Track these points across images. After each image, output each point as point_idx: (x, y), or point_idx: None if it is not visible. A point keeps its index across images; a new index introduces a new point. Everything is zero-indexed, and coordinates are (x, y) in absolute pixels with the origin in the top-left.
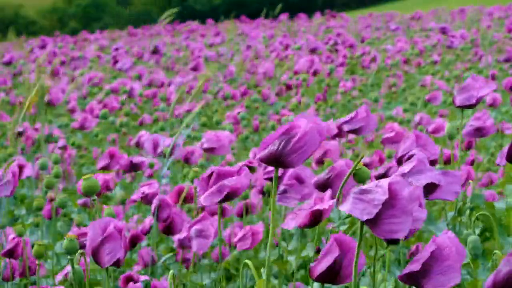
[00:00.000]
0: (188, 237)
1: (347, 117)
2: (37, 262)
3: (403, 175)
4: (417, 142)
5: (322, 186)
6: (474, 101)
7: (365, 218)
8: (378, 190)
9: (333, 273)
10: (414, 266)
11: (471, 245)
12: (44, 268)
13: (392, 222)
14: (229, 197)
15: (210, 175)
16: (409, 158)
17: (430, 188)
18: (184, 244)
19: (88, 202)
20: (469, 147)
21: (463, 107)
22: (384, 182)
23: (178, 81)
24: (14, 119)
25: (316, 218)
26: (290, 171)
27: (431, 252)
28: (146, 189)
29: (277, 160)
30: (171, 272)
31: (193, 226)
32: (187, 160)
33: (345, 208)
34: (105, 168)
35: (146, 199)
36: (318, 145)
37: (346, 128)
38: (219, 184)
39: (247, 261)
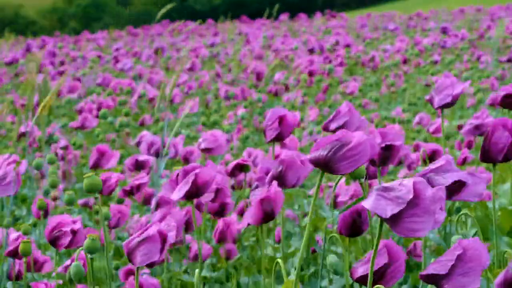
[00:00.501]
0: None
1: (331, 116)
2: (24, 260)
3: (431, 170)
4: (383, 139)
5: (276, 179)
6: (449, 100)
7: (389, 214)
8: (402, 189)
9: (376, 277)
10: (440, 268)
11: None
12: (48, 264)
13: (413, 221)
14: (198, 190)
15: (177, 175)
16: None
17: (455, 189)
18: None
19: (88, 202)
20: (469, 146)
21: (442, 107)
22: (408, 181)
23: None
24: (17, 120)
25: (267, 214)
26: (260, 165)
27: (456, 253)
28: (136, 181)
29: (326, 164)
30: (197, 270)
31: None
32: (186, 160)
33: (368, 205)
34: (97, 167)
35: (137, 190)
36: (368, 158)
37: (331, 127)
38: (186, 178)
39: (278, 259)
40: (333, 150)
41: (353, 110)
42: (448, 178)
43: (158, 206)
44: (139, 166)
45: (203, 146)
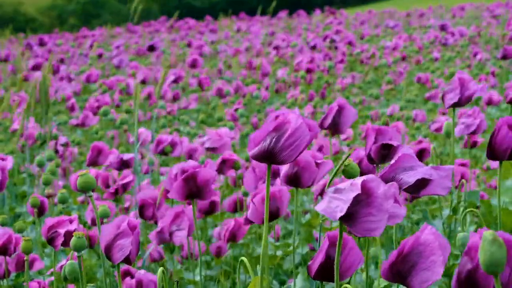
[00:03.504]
0: (169, 232)
1: (325, 113)
2: (25, 258)
3: (392, 170)
4: (380, 136)
5: (291, 180)
6: (456, 99)
7: (338, 216)
8: (352, 188)
9: (328, 270)
10: (403, 267)
11: (460, 242)
12: (39, 263)
13: (368, 220)
14: (198, 190)
15: (177, 173)
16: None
17: (421, 184)
18: (163, 239)
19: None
20: (474, 145)
21: (453, 106)
22: (358, 180)
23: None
24: (18, 116)
25: (271, 213)
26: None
27: (415, 249)
28: (121, 182)
29: (270, 157)
30: (160, 268)
31: (173, 222)
32: (190, 157)
33: (320, 208)
34: (94, 164)
35: (123, 190)
36: (309, 140)
37: (326, 123)
38: (183, 177)
39: (243, 258)
40: (273, 141)
41: (346, 106)
42: (412, 177)
43: (143, 207)
44: (124, 164)
45: (207, 145)
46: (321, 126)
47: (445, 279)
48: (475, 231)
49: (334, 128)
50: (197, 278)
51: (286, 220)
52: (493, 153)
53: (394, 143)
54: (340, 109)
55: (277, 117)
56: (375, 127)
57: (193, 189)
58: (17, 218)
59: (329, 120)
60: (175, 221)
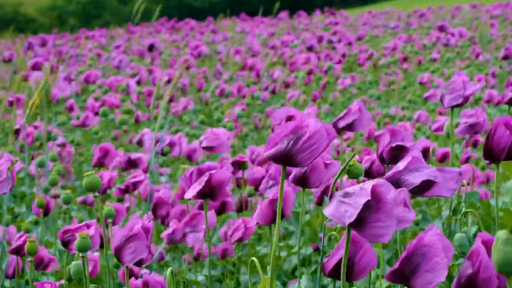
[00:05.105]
0: (184, 233)
1: (341, 114)
2: (30, 258)
3: (398, 172)
4: (393, 137)
5: (299, 181)
6: (461, 100)
7: (347, 222)
8: (362, 193)
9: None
10: (406, 268)
11: (457, 243)
12: (55, 264)
13: (377, 226)
14: (212, 190)
15: (193, 172)
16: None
17: (426, 185)
18: (173, 240)
19: (88, 199)
20: (475, 145)
21: (452, 107)
22: (368, 184)
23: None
24: (12, 117)
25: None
26: (271, 167)
27: (419, 250)
28: (132, 180)
29: (286, 159)
30: (169, 269)
31: (188, 223)
32: (189, 157)
33: (328, 212)
34: (100, 165)
35: (134, 188)
36: (327, 145)
37: (341, 124)
38: (201, 178)
39: (253, 258)
40: (291, 143)
41: (362, 109)
42: (417, 178)
43: (157, 206)
44: (132, 164)
45: (204, 144)
46: (335, 126)
47: (445, 280)
48: (476, 232)
49: (349, 129)
50: (199, 278)
51: (287, 220)
52: (490, 153)
53: (407, 144)
54: (359, 112)
55: (290, 117)
56: (389, 128)
57: (205, 189)
58: (16, 218)
59: (347, 121)
60: (191, 223)
